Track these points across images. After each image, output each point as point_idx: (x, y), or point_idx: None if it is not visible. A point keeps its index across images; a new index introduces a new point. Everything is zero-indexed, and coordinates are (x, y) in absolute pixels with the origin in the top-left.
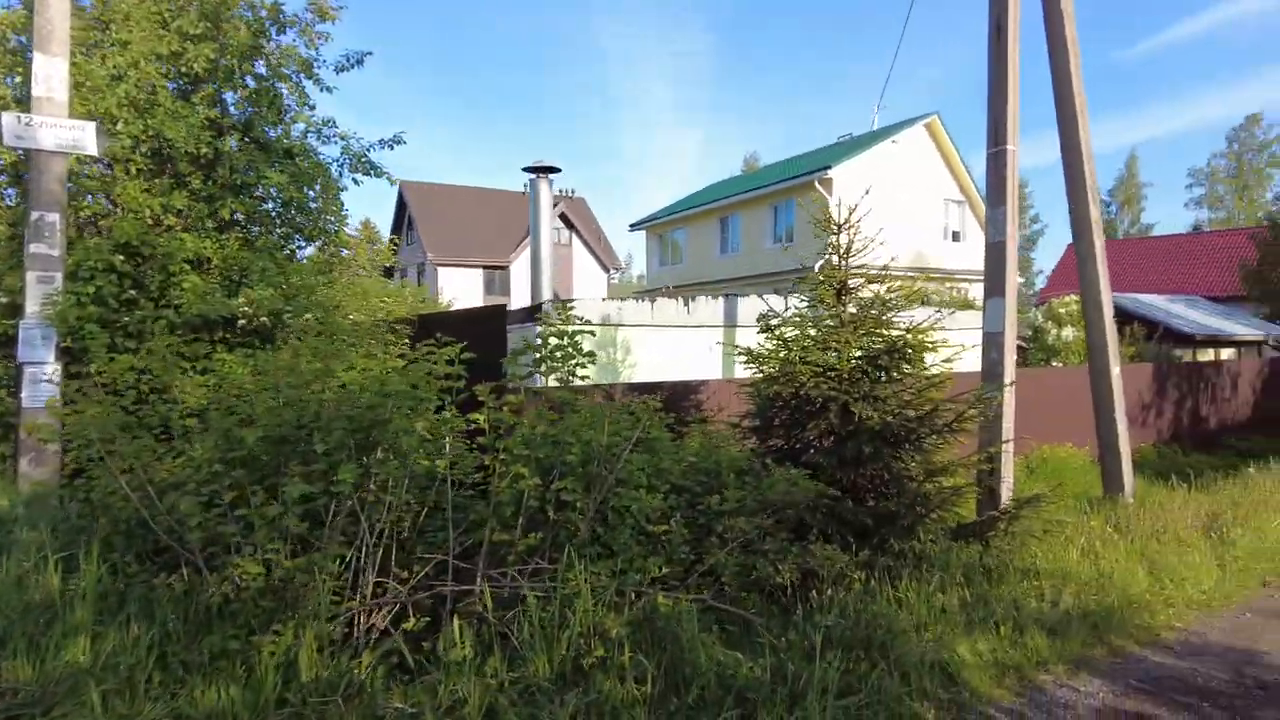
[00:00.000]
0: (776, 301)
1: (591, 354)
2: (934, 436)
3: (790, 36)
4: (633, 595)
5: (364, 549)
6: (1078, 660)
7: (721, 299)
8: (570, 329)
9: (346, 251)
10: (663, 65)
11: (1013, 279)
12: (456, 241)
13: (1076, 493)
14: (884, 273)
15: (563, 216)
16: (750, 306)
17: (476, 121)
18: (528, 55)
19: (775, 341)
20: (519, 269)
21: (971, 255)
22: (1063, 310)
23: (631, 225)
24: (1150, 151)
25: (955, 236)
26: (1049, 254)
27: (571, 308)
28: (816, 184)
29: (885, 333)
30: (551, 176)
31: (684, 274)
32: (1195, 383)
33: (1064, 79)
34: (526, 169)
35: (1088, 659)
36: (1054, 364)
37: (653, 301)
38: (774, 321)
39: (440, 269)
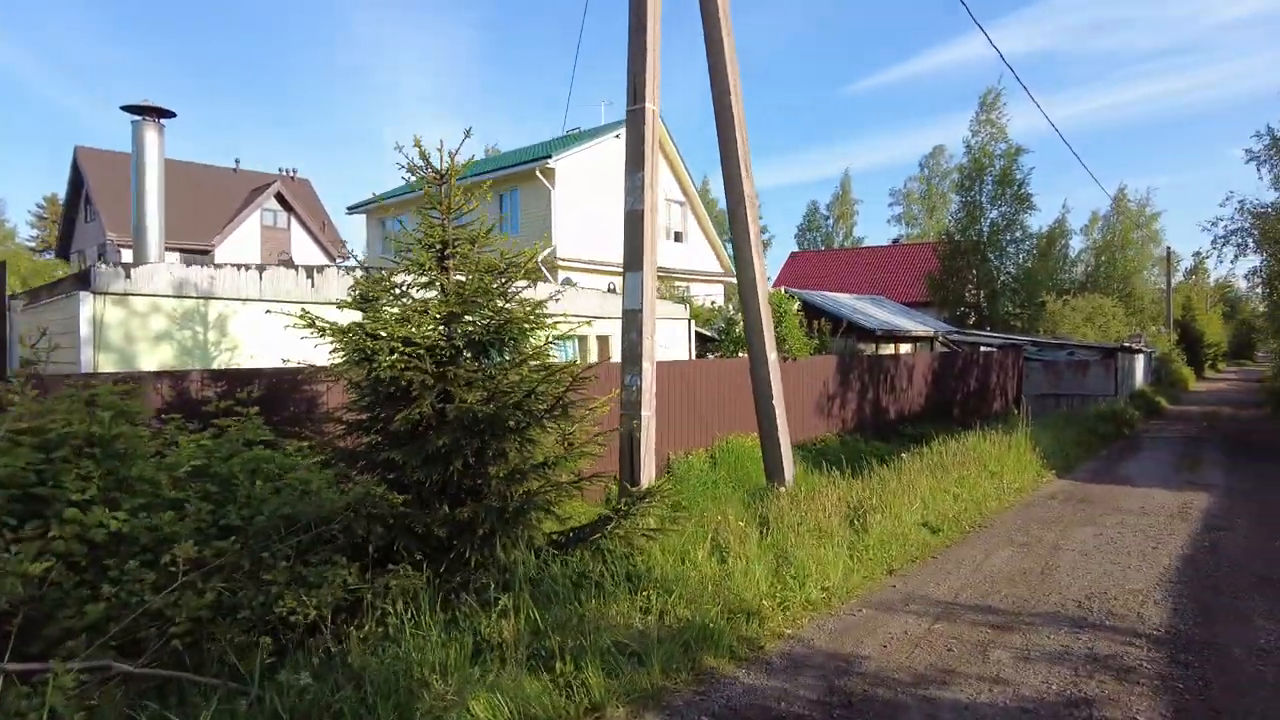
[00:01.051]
0: None
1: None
2: (534, 427)
3: (552, 32)
4: None
5: None
6: (648, 696)
7: (360, 271)
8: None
9: None
10: (424, 54)
11: (652, 253)
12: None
13: (753, 484)
14: (490, 234)
15: (279, 197)
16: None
17: (204, 96)
18: (266, 24)
19: (370, 318)
20: (225, 253)
21: (693, 255)
22: None
23: (349, 208)
24: (867, 174)
25: (677, 237)
26: (775, 264)
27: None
28: (538, 173)
29: (499, 306)
30: (164, 121)
31: None
32: (876, 375)
33: (714, 29)
34: (126, 108)
35: (662, 692)
36: (743, 355)
37: (262, 271)
38: (377, 292)
39: (125, 251)
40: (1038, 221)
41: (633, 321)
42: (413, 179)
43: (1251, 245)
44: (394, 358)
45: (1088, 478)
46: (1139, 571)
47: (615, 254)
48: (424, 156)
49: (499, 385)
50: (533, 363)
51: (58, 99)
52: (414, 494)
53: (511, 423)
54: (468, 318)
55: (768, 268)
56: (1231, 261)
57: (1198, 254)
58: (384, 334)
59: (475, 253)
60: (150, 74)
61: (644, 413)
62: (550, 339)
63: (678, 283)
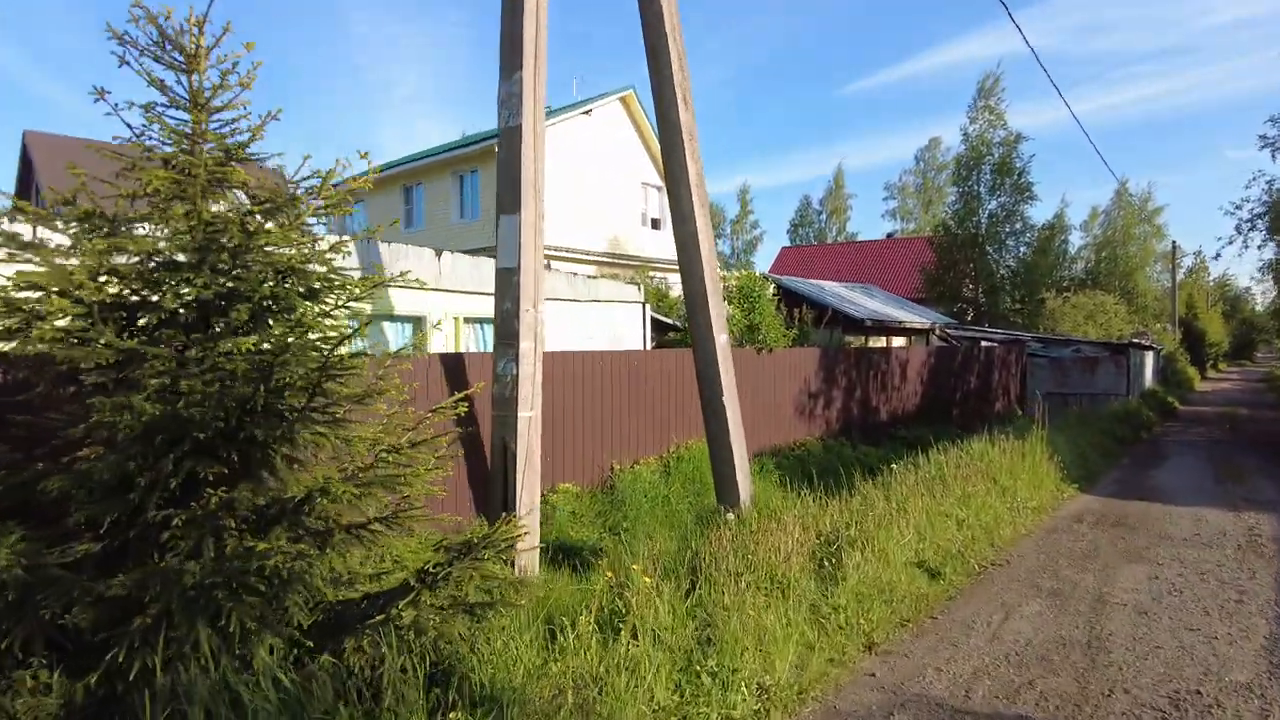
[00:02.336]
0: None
1: None
2: (281, 441)
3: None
4: None
5: None
6: None
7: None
8: None
9: None
10: (420, 52)
11: (532, 192)
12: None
13: (708, 505)
14: (257, 154)
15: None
16: None
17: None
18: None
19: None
20: None
21: (672, 245)
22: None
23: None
24: (862, 173)
25: (654, 224)
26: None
27: None
28: (498, 149)
29: (277, 253)
30: None
31: None
32: (866, 370)
33: None
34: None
35: None
36: None
37: None
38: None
39: None
40: (1037, 216)
41: (507, 285)
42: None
43: (1261, 234)
44: (52, 325)
45: (1116, 491)
46: (1233, 645)
47: (588, 241)
48: (152, 20)
49: (222, 368)
50: (314, 350)
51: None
52: (92, 552)
53: (245, 431)
54: (228, 271)
55: (756, 264)
56: (1259, 247)
57: (1198, 252)
58: (56, 289)
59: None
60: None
61: (522, 412)
62: (344, 309)
63: (655, 273)
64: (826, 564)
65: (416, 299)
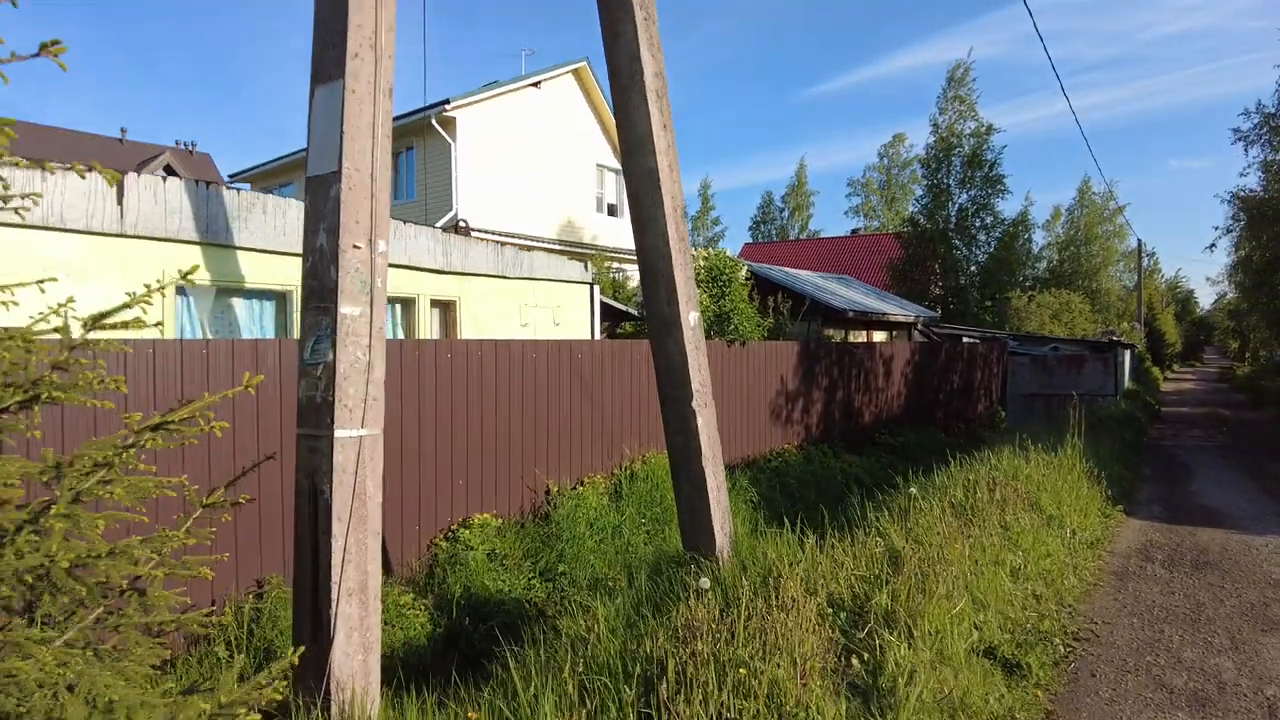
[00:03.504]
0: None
1: None
2: None
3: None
4: None
5: None
6: None
7: None
8: None
9: None
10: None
11: (370, 50)
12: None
13: (671, 545)
14: None
15: (168, 169)
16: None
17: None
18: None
19: None
20: None
21: (629, 232)
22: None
23: (230, 176)
24: (825, 175)
25: (611, 210)
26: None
27: None
28: (434, 123)
29: None
30: None
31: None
32: (848, 369)
33: None
34: None
35: None
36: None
37: None
38: None
39: None
40: (1005, 212)
41: (321, 205)
42: None
43: (1228, 236)
44: None
45: (1166, 514)
46: None
47: (535, 226)
48: None
49: None
50: None
51: None
52: None
53: None
54: None
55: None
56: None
57: (1152, 254)
58: None
59: None
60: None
61: (344, 430)
62: None
63: (611, 263)
64: (857, 662)
65: (279, 268)
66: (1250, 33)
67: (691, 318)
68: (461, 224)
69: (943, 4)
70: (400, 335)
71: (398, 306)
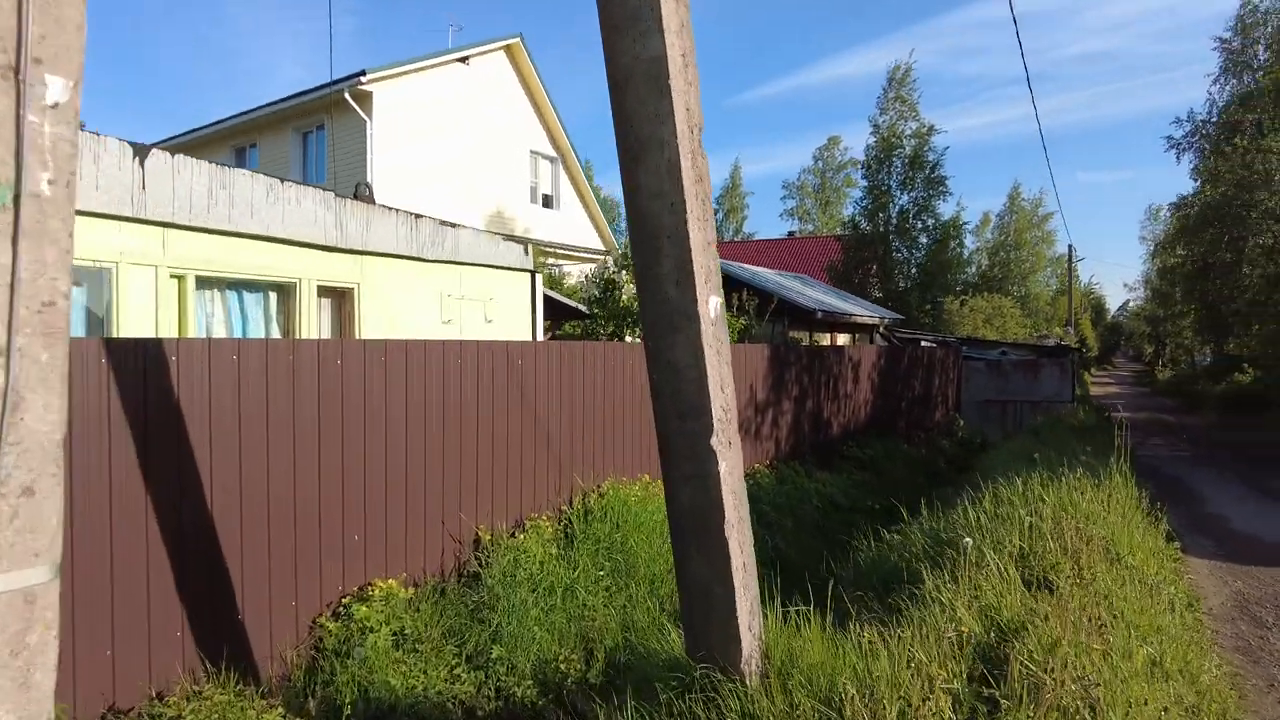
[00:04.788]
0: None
1: None
2: None
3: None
4: None
5: None
6: None
7: None
8: None
9: None
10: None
11: None
12: None
13: (651, 587)
14: None
15: None
16: None
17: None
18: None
19: None
20: None
21: (567, 226)
22: None
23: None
24: (756, 175)
25: (546, 201)
26: None
27: None
28: (348, 97)
29: None
30: None
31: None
32: (819, 375)
33: None
34: None
35: None
36: (630, 338)
37: None
38: None
39: None
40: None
41: None
42: None
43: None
44: None
45: (1219, 548)
46: None
47: (462, 215)
48: None
49: None
50: None
51: None
52: None
53: None
54: None
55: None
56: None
57: (1082, 259)
58: None
59: None
60: None
61: None
62: None
63: (548, 259)
64: None
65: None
66: (1151, 55)
67: (712, 305)
68: (364, 189)
69: (868, 18)
70: (275, 334)
71: (271, 294)
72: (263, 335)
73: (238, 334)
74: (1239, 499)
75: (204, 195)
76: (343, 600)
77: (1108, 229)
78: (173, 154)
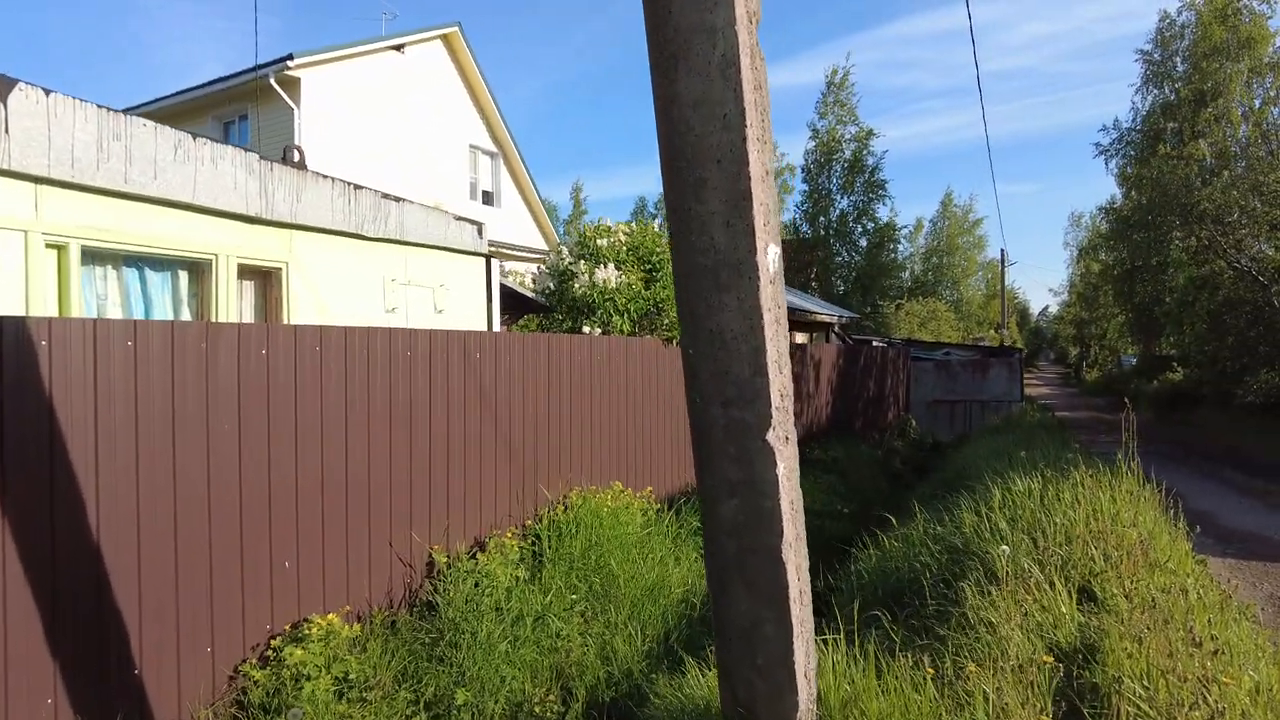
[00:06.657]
0: None
1: None
2: None
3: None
4: None
5: None
6: None
7: None
8: None
9: None
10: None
11: None
12: None
13: (641, 620)
14: None
15: None
16: None
17: None
18: None
19: None
20: None
21: (509, 224)
22: (604, 241)
23: None
24: None
25: (486, 198)
26: None
27: None
28: (274, 83)
29: None
30: None
31: None
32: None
33: None
34: None
35: None
36: (590, 331)
37: None
38: None
39: None
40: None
41: None
42: None
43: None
44: None
45: (1229, 547)
46: None
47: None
48: None
49: None
50: None
51: None
52: None
53: None
54: None
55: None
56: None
57: (1014, 263)
58: None
59: None
60: None
61: None
62: None
63: (492, 259)
64: None
65: None
66: (1065, 74)
67: (772, 256)
68: (293, 152)
69: (800, 28)
70: (186, 318)
71: (181, 274)
72: (177, 318)
73: (141, 314)
74: (1215, 494)
75: (91, 146)
76: (271, 642)
77: (1027, 236)
78: (48, 92)
